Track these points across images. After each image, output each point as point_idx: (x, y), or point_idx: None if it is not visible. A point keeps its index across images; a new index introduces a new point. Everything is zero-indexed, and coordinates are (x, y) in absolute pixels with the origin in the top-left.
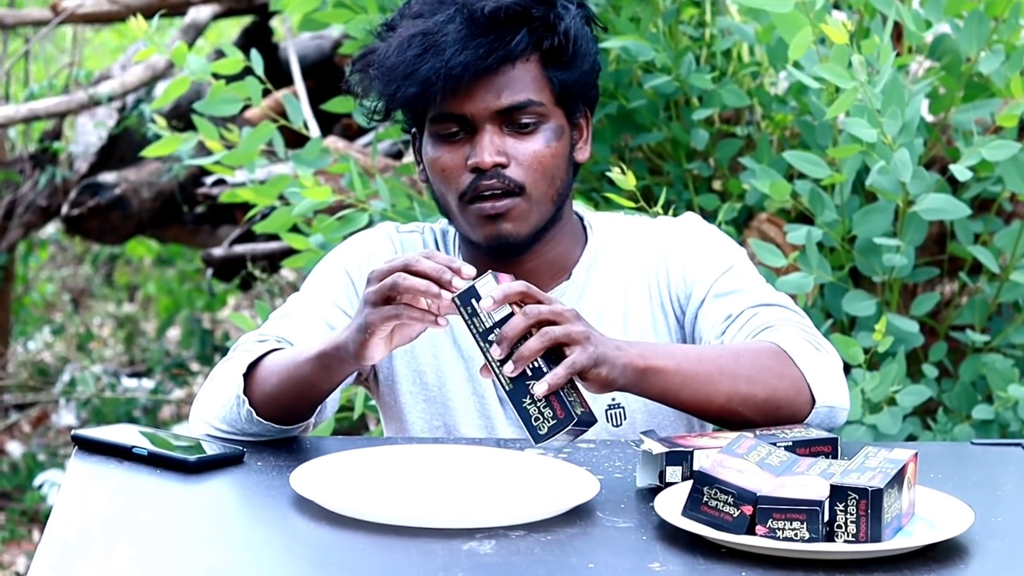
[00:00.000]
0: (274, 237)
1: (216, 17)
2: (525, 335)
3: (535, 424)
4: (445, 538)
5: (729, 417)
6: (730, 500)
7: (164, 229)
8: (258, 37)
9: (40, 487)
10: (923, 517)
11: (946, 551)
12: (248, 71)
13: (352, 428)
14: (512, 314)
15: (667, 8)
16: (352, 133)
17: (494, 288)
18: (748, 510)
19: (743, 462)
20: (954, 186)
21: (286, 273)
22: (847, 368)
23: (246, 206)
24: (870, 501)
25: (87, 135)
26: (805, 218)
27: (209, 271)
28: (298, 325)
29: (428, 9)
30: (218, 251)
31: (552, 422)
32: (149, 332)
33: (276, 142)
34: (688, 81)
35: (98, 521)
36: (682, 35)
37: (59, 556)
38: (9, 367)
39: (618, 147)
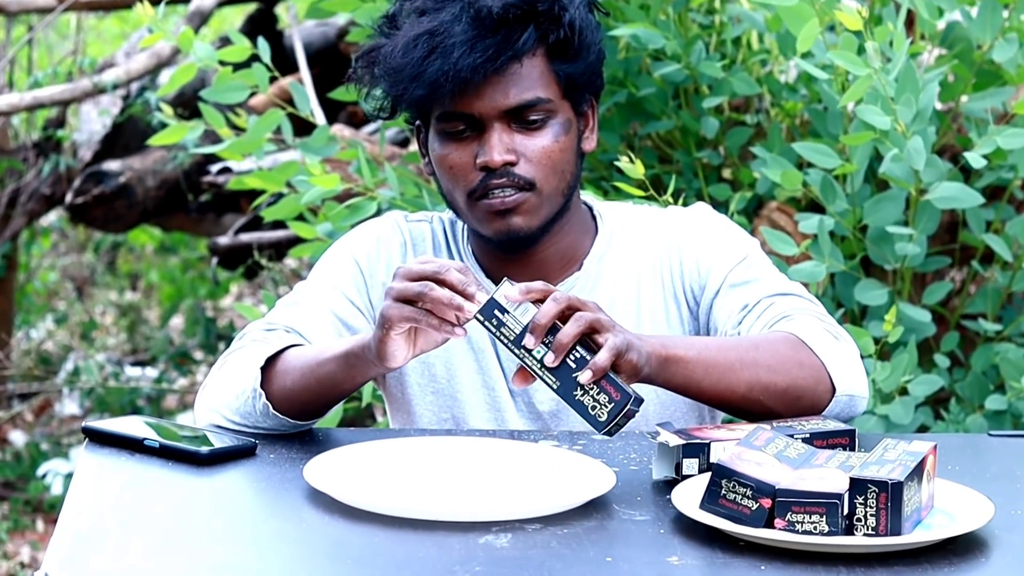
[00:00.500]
0: (280, 225)
1: (221, 4)
2: (554, 329)
3: (593, 413)
4: (461, 531)
5: (750, 407)
6: (749, 493)
7: (168, 217)
8: (263, 24)
9: (44, 476)
10: (942, 510)
11: (966, 544)
12: (254, 59)
13: (357, 416)
14: None
15: None
16: (358, 121)
17: (517, 288)
18: (767, 503)
19: (761, 454)
20: (965, 174)
21: (290, 261)
22: None
23: (251, 195)
24: (890, 494)
25: (91, 123)
26: (816, 207)
27: (214, 260)
28: (306, 314)
29: (432, 5)
30: (224, 239)
31: (610, 406)
32: (151, 320)
33: (284, 129)
34: (698, 69)
35: (111, 514)
36: (692, 23)
37: (72, 549)
38: (12, 356)
39: (627, 135)
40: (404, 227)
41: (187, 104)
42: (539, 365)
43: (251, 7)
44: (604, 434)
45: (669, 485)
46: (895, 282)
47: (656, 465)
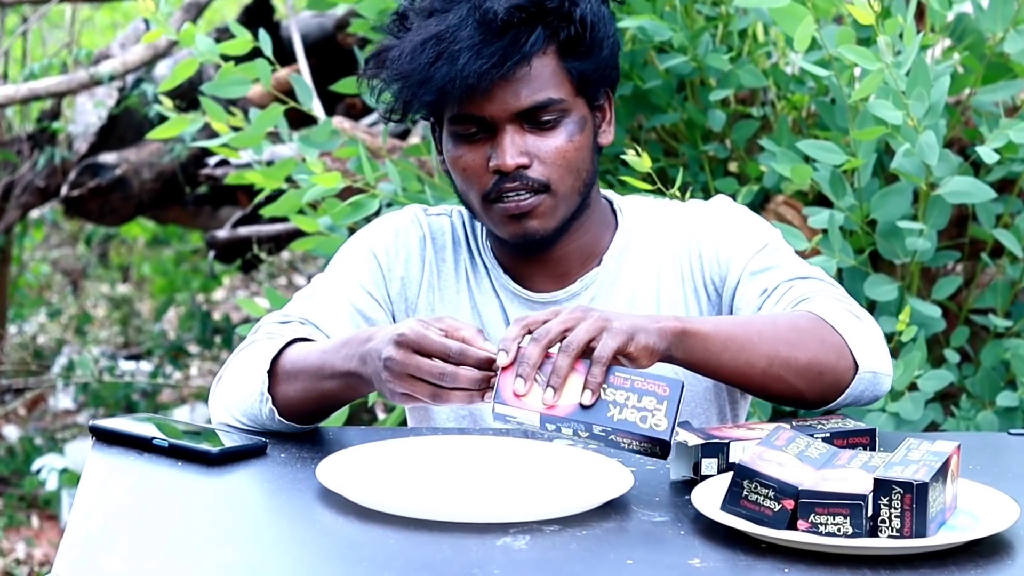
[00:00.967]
0: (279, 218)
1: None
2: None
3: (648, 425)
4: (477, 533)
5: (772, 384)
6: (771, 494)
7: (164, 210)
8: (259, 15)
9: (38, 472)
10: (966, 511)
11: (992, 546)
12: (254, 51)
13: (354, 412)
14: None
15: None
16: (356, 113)
17: (504, 358)
18: (789, 504)
19: (782, 454)
20: (975, 168)
21: (286, 255)
22: None
23: (249, 188)
24: (915, 495)
25: (86, 115)
26: (823, 200)
27: (211, 253)
28: (323, 306)
29: (439, 5)
30: (222, 233)
31: (663, 405)
32: (144, 313)
33: (280, 125)
34: (705, 61)
35: (121, 515)
36: (698, 14)
37: (83, 551)
38: (5, 350)
39: (632, 128)
40: (424, 220)
41: (183, 96)
42: (571, 429)
43: None
44: (671, 439)
45: (687, 485)
46: (903, 277)
47: (674, 465)
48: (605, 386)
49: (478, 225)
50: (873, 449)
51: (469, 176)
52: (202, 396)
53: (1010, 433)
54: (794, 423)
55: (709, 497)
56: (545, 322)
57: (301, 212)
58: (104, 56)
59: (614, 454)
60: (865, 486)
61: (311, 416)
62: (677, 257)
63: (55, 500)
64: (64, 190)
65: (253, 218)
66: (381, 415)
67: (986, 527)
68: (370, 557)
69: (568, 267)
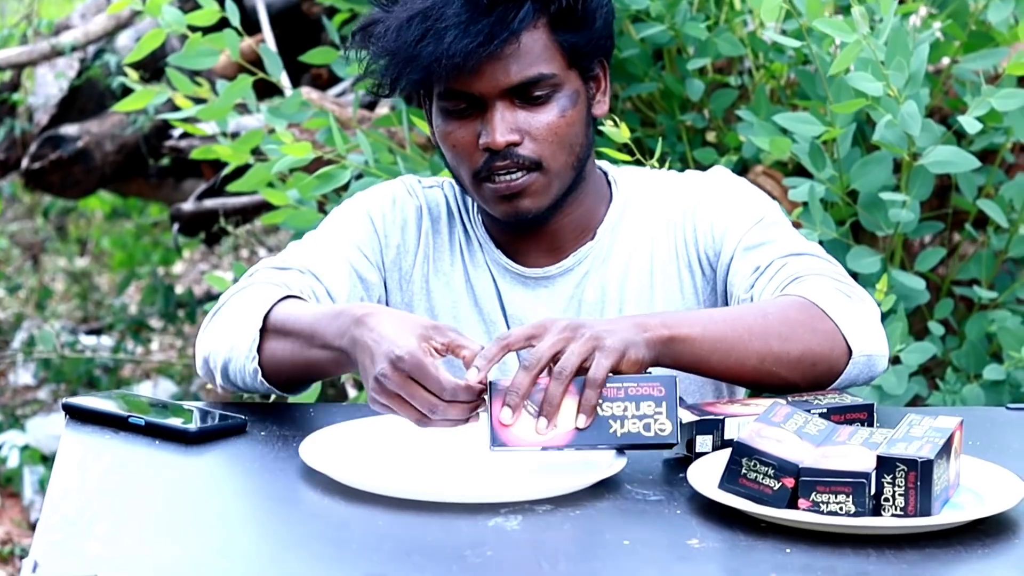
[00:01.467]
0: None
1: None
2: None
3: (653, 430)
4: (468, 514)
5: (764, 379)
6: (771, 472)
7: (127, 183)
8: None
9: None
10: (969, 488)
11: (996, 524)
12: (222, 22)
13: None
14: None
15: None
16: (322, 83)
17: (475, 374)
18: (790, 483)
19: (781, 431)
20: (957, 138)
21: (248, 227)
22: None
23: (213, 160)
24: (920, 472)
25: (47, 86)
26: (802, 170)
27: (175, 226)
28: (323, 258)
29: None
30: (187, 206)
31: (659, 415)
32: (104, 287)
33: (248, 96)
34: (682, 30)
35: (99, 497)
36: None
37: (62, 534)
38: None
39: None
40: (420, 192)
41: (147, 66)
42: (573, 447)
43: None
44: (680, 440)
45: (681, 463)
46: (885, 248)
47: None
48: (600, 400)
49: (469, 199)
50: (871, 425)
51: (459, 153)
52: (164, 371)
53: (1008, 408)
54: (790, 398)
55: (705, 475)
56: (529, 339)
57: (270, 185)
58: (65, 27)
59: None
60: (868, 463)
61: (293, 382)
62: (671, 231)
63: (17, 477)
64: (25, 162)
65: (218, 190)
66: (352, 392)
67: (991, 506)
68: (358, 539)
69: (562, 241)
